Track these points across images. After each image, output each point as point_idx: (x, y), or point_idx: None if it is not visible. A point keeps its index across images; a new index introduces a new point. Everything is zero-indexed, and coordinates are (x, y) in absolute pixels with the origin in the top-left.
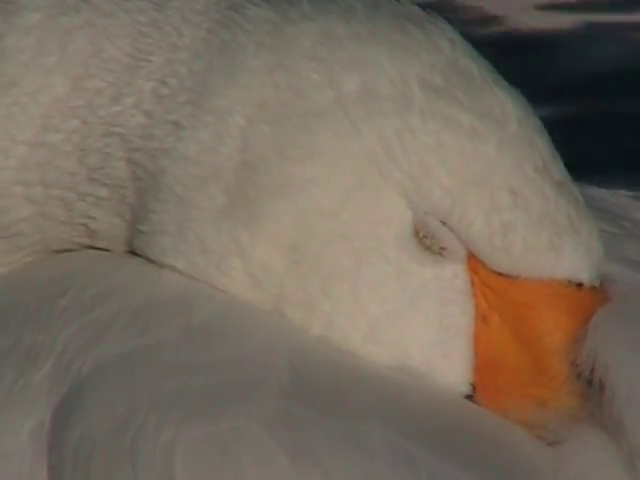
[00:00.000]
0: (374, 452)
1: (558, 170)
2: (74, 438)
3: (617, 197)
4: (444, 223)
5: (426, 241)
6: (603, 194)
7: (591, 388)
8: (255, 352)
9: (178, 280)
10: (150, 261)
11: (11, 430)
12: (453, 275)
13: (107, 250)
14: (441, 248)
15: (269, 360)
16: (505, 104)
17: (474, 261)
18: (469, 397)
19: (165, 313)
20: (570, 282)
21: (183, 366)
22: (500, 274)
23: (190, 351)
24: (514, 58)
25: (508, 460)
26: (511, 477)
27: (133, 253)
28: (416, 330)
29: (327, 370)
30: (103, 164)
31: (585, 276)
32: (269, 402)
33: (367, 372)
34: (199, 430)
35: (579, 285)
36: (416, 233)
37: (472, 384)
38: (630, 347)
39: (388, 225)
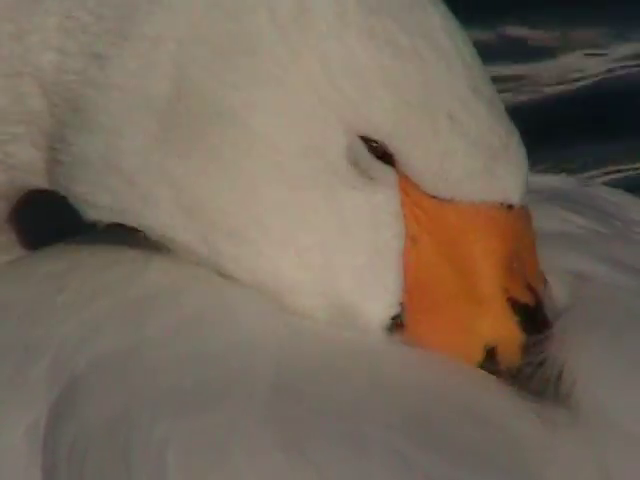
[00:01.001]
0: (365, 447)
1: (487, 85)
2: (68, 438)
3: (616, 195)
4: (381, 146)
5: (359, 166)
6: (601, 191)
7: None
8: (245, 344)
9: (168, 274)
10: (141, 253)
11: (8, 427)
12: (385, 199)
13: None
14: (373, 173)
15: (259, 352)
16: (438, 22)
17: (406, 182)
18: (397, 318)
19: (156, 308)
20: (502, 204)
21: (174, 361)
22: (433, 197)
23: (180, 346)
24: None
25: (501, 451)
26: (507, 473)
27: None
28: (346, 255)
29: (315, 361)
30: (17, 102)
31: (516, 197)
32: (260, 396)
33: (355, 360)
34: (192, 425)
35: (509, 207)
36: (349, 158)
37: (402, 303)
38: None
39: (322, 151)
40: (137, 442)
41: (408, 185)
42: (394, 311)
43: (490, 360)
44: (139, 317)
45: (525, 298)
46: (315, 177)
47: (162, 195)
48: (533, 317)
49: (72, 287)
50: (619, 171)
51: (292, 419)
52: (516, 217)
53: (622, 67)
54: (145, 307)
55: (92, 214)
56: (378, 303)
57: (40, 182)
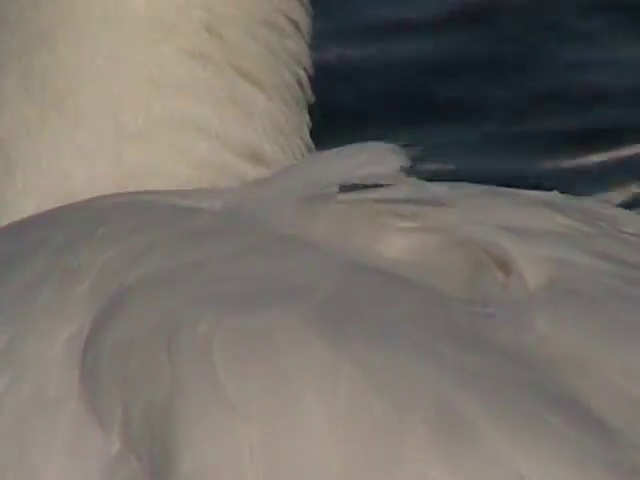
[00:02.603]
0: (403, 345)
1: None
2: (112, 339)
3: (608, 208)
4: None
5: None
6: (593, 204)
7: None
8: (303, 268)
9: (217, 216)
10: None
11: (46, 338)
12: None
13: None
14: None
15: (316, 275)
16: None
17: None
18: None
19: (209, 238)
20: None
21: (227, 277)
22: None
23: (235, 266)
24: None
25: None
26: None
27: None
28: None
29: (370, 287)
30: None
31: None
32: (309, 302)
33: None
34: (237, 320)
35: None
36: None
37: None
38: None
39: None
40: (182, 337)
41: None
42: None
43: None
44: (189, 244)
45: None
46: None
47: None
48: None
49: (114, 222)
50: None
51: (337, 321)
52: None
53: None
54: (196, 237)
55: None
56: None
57: None
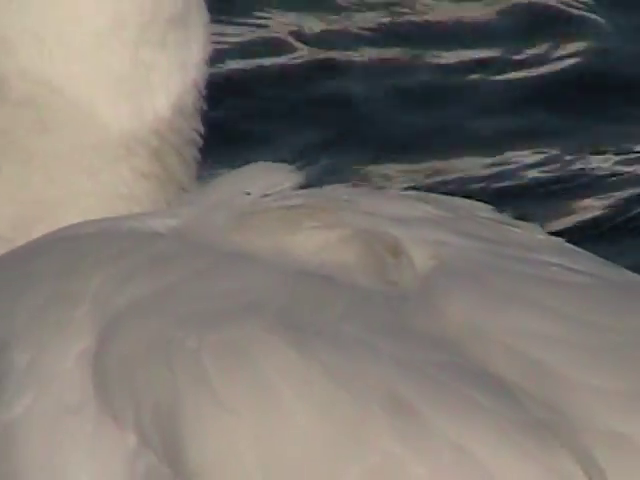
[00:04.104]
0: (349, 345)
1: None
2: (117, 354)
3: (462, 200)
4: None
5: None
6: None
7: None
8: (255, 284)
9: (174, 236)
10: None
11: (61, 355)
12: None
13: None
14: None
15: (267, 290)
16: None
17: None
18: None
19: (173, 263)
20: None
21: (197, 297)
22: None
23: (200, 287)
24: None
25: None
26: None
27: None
28: None
29: (309, 293)
30: None
31: None
32: (269, 315)
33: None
34: (217, 336)
35: None
36: None
37: None
38: None
39: None
40: (175, 351)
41: None
42: None
43: None
44: (164, 268)
45: None
46: None
47: None
48: None
49: (95, 251)
50: None
51: (297, 328)
52: None
53: None
54: (168, 260)
55: None
56: None
57: None
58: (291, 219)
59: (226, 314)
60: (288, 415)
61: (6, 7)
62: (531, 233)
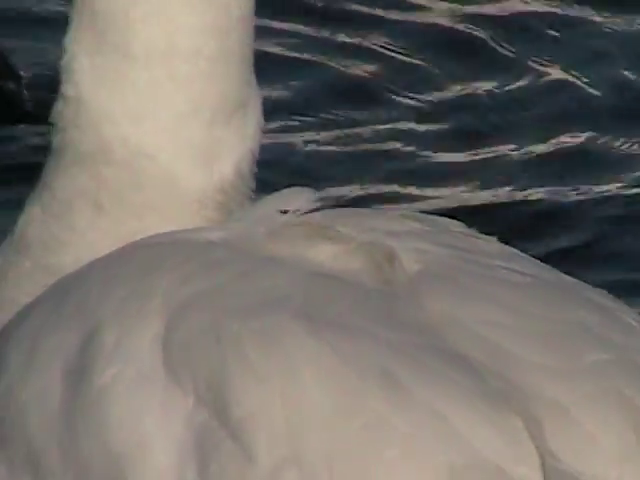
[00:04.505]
0: (353, 332)
1: None
2: (179, 336)
3: (440, 218)
4: None
5: None
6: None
7: None
8: (282, 283)
9: (226, 246)
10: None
11: (139, 338)
12: None
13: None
14: None
15: (292, 287)
16: None
17: None
18: None
19: (224, 266)
20: None
21: (239, 293)
22: None
23: (243, 285)
24: None
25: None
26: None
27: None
28: None
29: (324, 291)
30: None
31: None
32: (293, 308)
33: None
34: (254, 323)
35: None
36: None
37: None
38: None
39: None
40: (224, 334)
41: None
42: None
43: None
44: (213, 272)
45: None
46: None
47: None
48: None
49: (166, 257)
50: None
51: (314, 318)
52: None
53: None
54: (215, 267)
55: None
56: None
57: None
58: (310, 234)
59: (261, 306)
60: (306, 384)
61: (111, 87)
62: (490, 243)
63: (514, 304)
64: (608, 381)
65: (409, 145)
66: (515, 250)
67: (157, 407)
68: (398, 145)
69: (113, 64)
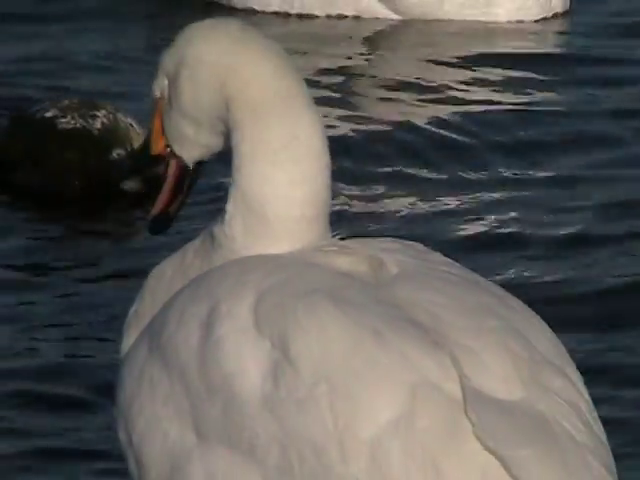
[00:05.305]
0: (356, 307)
1: None
2: (263, 306)
3: (413, 243)
4: None
5: None
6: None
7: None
8: (319, 279)
9: (295, 260)
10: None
11: (237, 305)
12: None
13: None
14: None
15: (324, 282)
16: None
17: None
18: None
19: (292, 269)
20: None
21: (297, 284)
22: None
23: (303, 280)
24: None
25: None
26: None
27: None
28: None
29: (342, 284)
30: None
31: None
32: (325, 293)
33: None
34: (312, 299)
35: None
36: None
37: None
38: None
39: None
40: (285, 307)
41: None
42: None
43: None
44: (288, 275)
45: None
46: None
47: None
48: None
49: (269, 266)
50: None
51: (336, 300)
52: None
53: None
54: (290, 269)
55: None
56: None
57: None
58: (337, 251)
59: (307, 291)
60: (330, 334)
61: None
62: (439, 256)
63: (448, 292)
64: (499, 337)
65: None
66: (451, 260)
67: (251, 348)
68: None
69: None
